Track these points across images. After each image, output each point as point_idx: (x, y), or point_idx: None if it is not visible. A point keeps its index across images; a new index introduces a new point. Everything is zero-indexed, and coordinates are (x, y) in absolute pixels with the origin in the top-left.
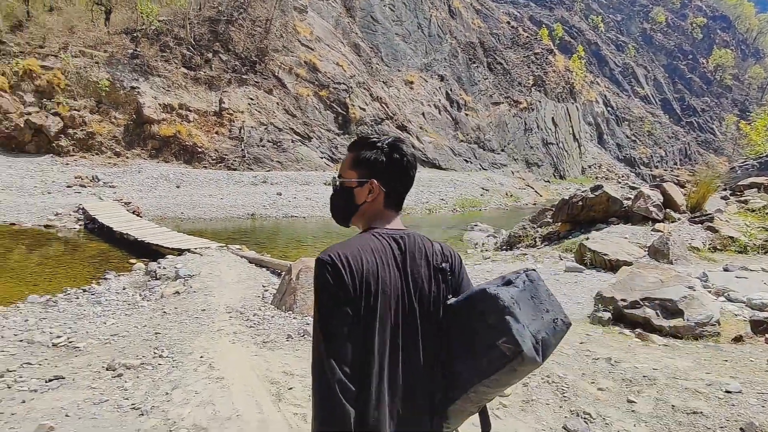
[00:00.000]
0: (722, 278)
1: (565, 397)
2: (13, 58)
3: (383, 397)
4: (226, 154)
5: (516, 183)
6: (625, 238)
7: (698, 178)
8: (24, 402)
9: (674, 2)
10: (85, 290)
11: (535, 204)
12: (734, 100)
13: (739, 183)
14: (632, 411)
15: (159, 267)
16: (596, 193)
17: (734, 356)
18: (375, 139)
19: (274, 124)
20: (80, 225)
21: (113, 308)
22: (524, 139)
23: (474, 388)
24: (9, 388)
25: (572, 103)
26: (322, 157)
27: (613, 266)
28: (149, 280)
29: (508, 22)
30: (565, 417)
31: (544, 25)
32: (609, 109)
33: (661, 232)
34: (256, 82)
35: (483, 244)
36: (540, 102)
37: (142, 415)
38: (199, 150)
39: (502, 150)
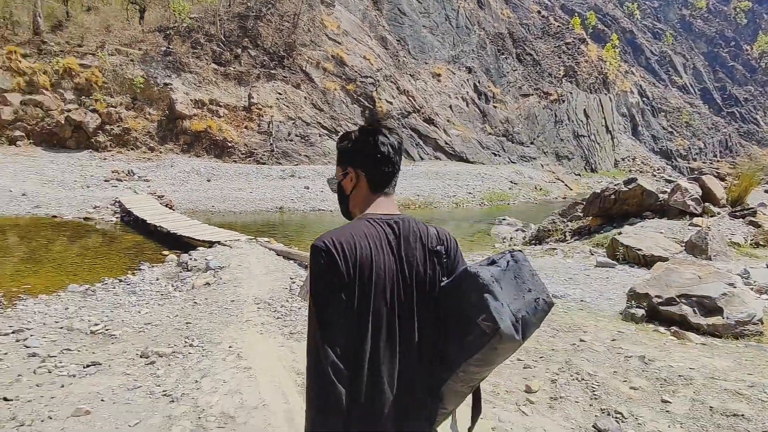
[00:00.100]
0: (765, 275)
1: (595, 395)
2: (53, 57)
3: (379, 379)
4: (255, 149)
5: (545, 176)
6: (661, 232)
7: (740, 170)
8: (63, 386)
9: None
10: (121, 280)
11: (565, 198)
12: None
13: None
14: (667, 411)
15: (190, 259)
16: (630, 186)
17: None
18: (350, 131)
19: (302, 119)
20: (117, 218)
21: (147, 298)
22: (554, 132)
23: (462, 368)
24: (50, 372)
25: (605, 94)
26: None
27: (647, 262)
28: (181, 272)
29: (539, 12)
30: (596, 416)
31: (576, 14)
32: (644, 99)
33: (700, 226)
34: (284, 76)
35: (511, 238)
36: (571, 93)
37: (173, 401)
38: (229, 144)
39: (532, 143)
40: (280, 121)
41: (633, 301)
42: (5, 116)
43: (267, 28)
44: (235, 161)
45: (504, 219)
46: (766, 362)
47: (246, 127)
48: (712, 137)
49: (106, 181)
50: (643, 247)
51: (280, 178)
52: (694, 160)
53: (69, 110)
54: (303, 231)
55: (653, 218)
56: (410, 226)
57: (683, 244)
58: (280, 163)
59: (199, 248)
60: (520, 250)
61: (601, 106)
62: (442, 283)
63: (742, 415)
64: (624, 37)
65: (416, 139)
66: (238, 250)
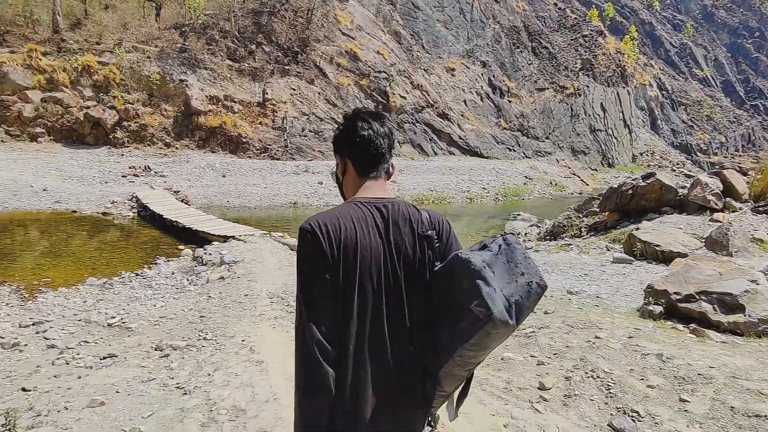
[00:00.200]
0: None
1: (611, 393)
2: (72, 54)
3: (364, 358)
4: (269, 144)
5: (561, 171)
6: (680, 228)
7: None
8: (80, 378)
9: None
10: (137, 274)
11: (581, 193)
12: None
13: None
14: (685, 411)
15: (205, 253)
16: (648, 181)
17: None
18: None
19: (316, 114)
20: (134, 212)
21: (163, 292)
22: (570, 126)
23: (458, 353)
24: (67, 364)
25: (623, 87)
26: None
27: (665, 258)
28: (196, 266)
29: (555, 4)
30: (611, 414)
31: (593, 6)
32: (664, 92)
33: (720, 222)
34: (298, 72)
35: (525, 234)
36: (588, 87)
37: (186, 394)
38: (244, 140)
39: (547, 137)
40: (294, 117)
41: (650, 298)
42: (26, 113)
43: (281, 24)
44: (249, 157)
45: (518, 214)
46: None
47: (260, 123)
48: (734, 131)
49: (123, 176)
50: (661, 243)
51: (294, 174)
52: (715, 154)
53: (88, 107)
54: None
55: (672, 214)
56: (399, 210)
57: (703, 240)
58: (294, 159)
59: (213, 243)
60: (511, 233)
61: (619, 99)
62: (435, 268)
63: (766, 416)
64: (643, 29)
65: (430, 134)
66: (252, 244)
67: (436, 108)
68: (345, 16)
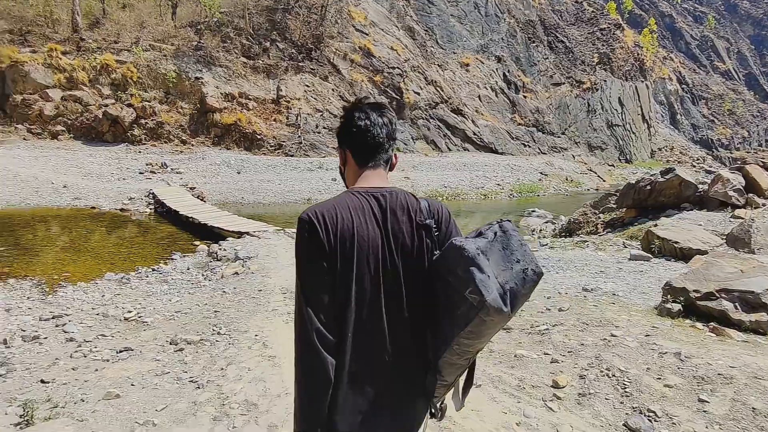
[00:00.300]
0: None
1: (626, 392)
2: (91, 53)
3: (362, 346)
4: (283, 141)
5: (577, 167)
6: (699, 225)
7: None
8: (97, 370)
9: None
10: (154, 269)
11: (597, 189)
12: None
13: None
14: (704, 411)
15: (220, 249)
16: (667, 177)
17: None
18: None
19: (330, 111)
20: (151, 209)
21: (178, 287)
22: (587, 122)
23: (455, 341)
24: (85, 357)
25: (642, 82)
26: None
27: (684, 255)
28: (211, 261)
29: None
30: (627, 414)
31: None
32: (684, 86)
33: (742, 218)
34: (312, 69)
35: (540, 230)
36: (605, 81)
37: (198, 388)
38: (258, 137)
39: (563, 133)
40: (308, 114)
41: (669, 296)
42: (47, 112)
43: (295, 21)
44: (264, 153)
45: (533, 211)
46: None
47: (275, 120)
48: (758, 125)
49: (140, 173)
50: (680, 240)
51: (308, 170)
52: (737, 149)
53: (106, 105)
54: None
55: (692, 210)
56: (397, 199)
57: (724, 237)
58: (307, 155)
59: (228, 239)
60: (509, 220)
61: (637, 94)
62: (434, 257)
63: None
64: (662, 22)
65: (444, 130)
66: (266, 240)
67: (450, 104)
68: (359, 12)
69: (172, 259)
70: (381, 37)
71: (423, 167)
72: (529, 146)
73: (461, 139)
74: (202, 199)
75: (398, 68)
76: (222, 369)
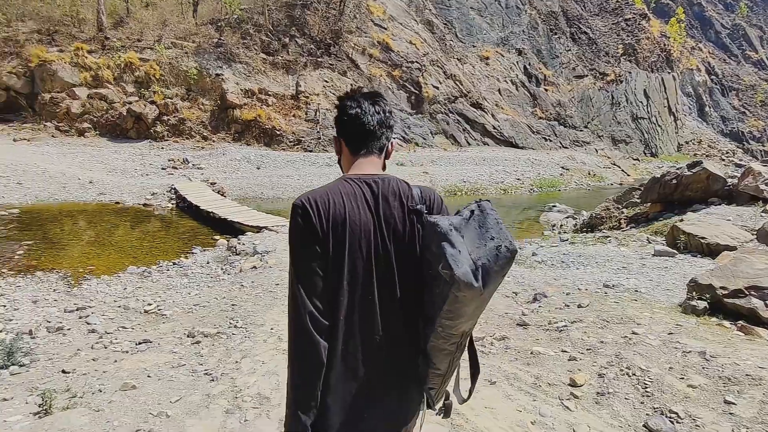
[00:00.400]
0: None
1: (647, 392)
2: (116, 52)
3: (354, 330)
4: (302, 137)
5: (600, 161)
6: (728, 220)
7: None
8: (116, 362)
9: None
10: (174, 263)
11: (621, 184)
12: None
13: None
14: (730, 413)
15: (239, 243)
16: (694, 171)
17: None
18: None
19: None
20: (173, 204)
21: (198, 280)
22: (610, 115)
23: (438, 322)
24: (105, 348)
25: (668, 73)
26: (394, 138)
27: (711, 251)
28: (230, 255)
29: None
30: (647, 414)
31: None
32: (713, 77)
33: None
34: (331, 64)
35: (561, 225)
36: (630, 73)
37: (213, 380)
38: (278, 133)
39: (585, 126)
40: (327, 109)
41: (694, 293)
42: (74, 109)
43: (314, 17)
44: (283, 149)
45: (554, 206)
46: None
47: (294, 116)
48: None
49: (163, 169)
50: (707, 235)
51: (327, 165)
52: None
53: (130, 102)
54: None
55: (720, 204)
56: (390, 185)
57: (754, 233)
58: (326, 151)
59: (247, 233)
60: (487, 200)
61: (664, 85)
62: None
63: None
64: (691, 11)
65: (463, 125)
66: (284, 235)
67: (470, 98)
68: (377, 6)
69: (193, 253)
70: (400, 32)
71: (442, 162)
72: (551, 140)
73: (481, 134)
74: (222, 195)
75: (417, 62)
76: (237, 362)
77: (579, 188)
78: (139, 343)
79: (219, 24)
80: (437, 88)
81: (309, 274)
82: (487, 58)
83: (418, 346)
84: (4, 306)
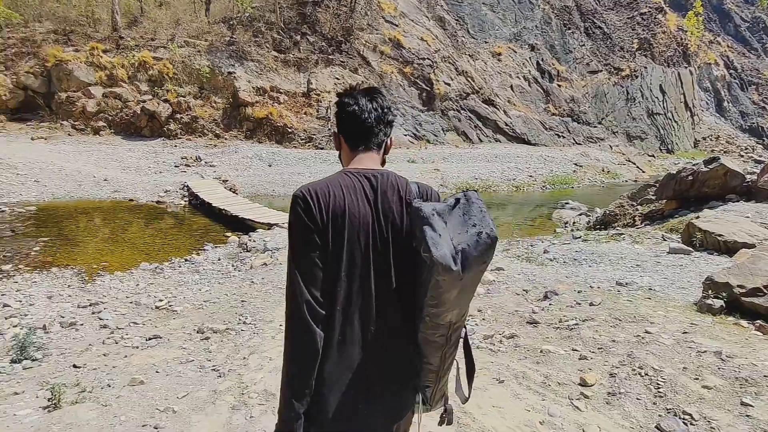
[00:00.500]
0: None
1: (660, 393)
2: (130, 51)
3: (352, 320)
4: (313, 134)
5: (614, 158)
6: (747, 217)
7: None
8: (126, 357)
9: None
10: (186, 260)
11: (636, 181)
12: None
13: None
14: (747, 416)
15: (250, 240)
16: (711, 167)
17: None
18: None
19: None
20: (185, 201)
21: (209, 277)
22: (625, 110)
23: (425, 311)
24: (116, 343)
25: (685, 68)
26: (405, 135)
27: (729, 249)
28: (241, 252)
29: None
30: (660, 416)
31: None
32: (731, 71)
33: None
34: (342, 61)
35: (574, 222)
36: (645, 68)
37: (220, 376)
38: (289, 130)
39: (600, 123)
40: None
41: (710, 291)
42: (90, 108)
43: (325, 14)
44: (294, 147)
45: (567, 203)
46: None
47: (305, 113)
48: None
49: (176, 166)
50: (724, 233)
51: (338, 163)
52: None
53: (144, 101)
54: None
55: (738, 201)
56: (388, 180)
57: None
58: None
59: (258, 230)
60: (475, 190)
61: (680, 80)
62: None
63: None
64: (709, 4)
65: (475, 121)
66: None
67: (482, 94)
68: (388, 3)
69: (204, 249)
70: (411, 28)
71: (453, 159)
72: (564, 137)
73: (493, 130)
74: (234, 192)
75: (428, 59)
76: (244, 358)
77: (592, 185)
78: (149, 339)
79: (231, 22)
80: (449, 84)
81: (307, 263)
82: (500, 54)
83: (415, 340)
84: (20, 301)
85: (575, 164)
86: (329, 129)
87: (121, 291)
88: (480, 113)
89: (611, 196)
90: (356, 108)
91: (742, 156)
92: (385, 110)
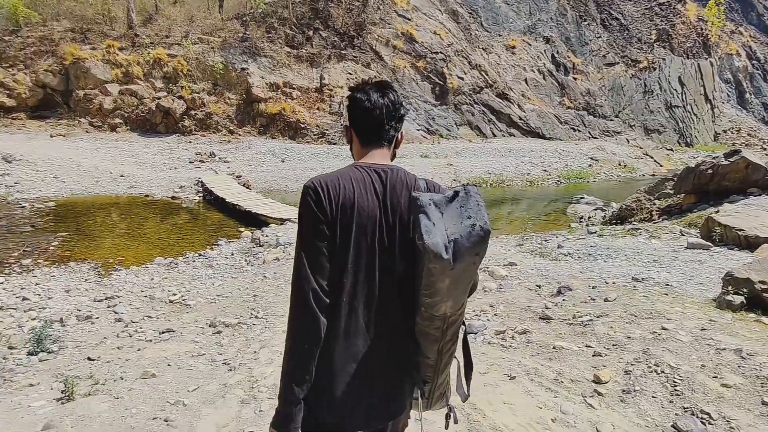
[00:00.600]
0: None
1: (677, 390)
2: (145, 48)
3: (358, 312)
4: (326, 129)
5: (631, 152)
6: None
7: None
8: (139, 350)
9: None
10: (200, 255)
11: (654, 175)
12: None
13: None
14: None
15: (263, 235)
16: (731, 160)
17: None
18: None
19: None
20: (199, 196)
21: (222, 271)
22: (643, 103)
23: (421, 301)
24: (130, 337)
25: (705, 59)
26: (419, 129)
27: (750, 244)
28: (254, 247)
29: None
30: (676, 414)
31: None
32: (754, 62)
33: None
34: (355, 56)
35: (589, 217)
36: (664, 60)
37: (231, 370)
38: (302, 126)
39: (616, 116)
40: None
41: (730, 287)
42: (107, 105)
43: (337, 9)
44: (307, 142)
45: (582, 197)
46: None
47: (318, 109)
48: None
49: (190, 162)
50: (745, 227)
51: (350, 158)
52: None
53: (159, 98)
54: None
55: (760, 195)
56: (398, 175)
57: None
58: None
59: (271, 225)
60: (474, 185)
61: (700, 72)
62: None
63: None
64: None
65: (488, 116)
66: None
67: (495, 88)
68: None
69: (218, 244)
70: (424, 22)
71: (466, 153)
72: (579, 131)
73: (506, 125)
74: (247, 187)
75: (441, 53)
76: (255, 352)
77: (609, 180)
78: (163, 333)
79: (244, 18)
80: (462, 78)
81: (315, 253)
82: (514, 47)
83: (411, 330)
84: (39, 295)
85: (591, 158)
86: (342, 124)
87: (136, 285)
88: (494, 107)
89: (628, 191)
90: (368, 104)
91: (765, 149)
92: (397, 105)
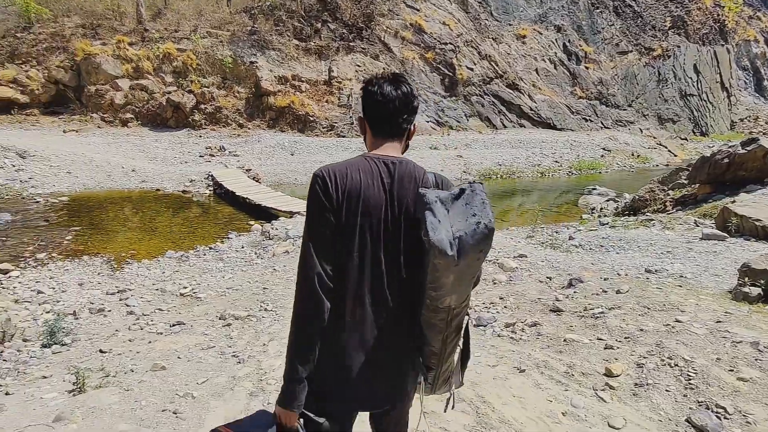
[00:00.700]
0: None
1: (691, 384)
2: (155, 43)
3: (363, 300)
4: (335, 122)
5: (645, 142)
6: None
7: None
8: (150, 342)
9: None
10: (211, 248)
11: (668, 165)
12: None
13: None
14: None
15: (272, 228)
16: (748, 149)
17: None
18: None
19: None
20: (210, 190)
21: (232, 264)
22: (657, 92)
23: (426, 294)
24: (141, 329)
25: (722, 46)
26: (428, 121)
27: (767, 234)
28: (263, 240)
29: None
30: (690, 408)
31: None
32: None
33: None
34: (363, 48)
35: (601, 208)
36: (679, 47)
37: (240, 363)
38: (311, 119)
39: (629, 105)
40: (360, 94)
41: (746, 278)
42: (118, 101)
43: (345, 1)
44: (316, 135)
45: (594, 188)
46: None
47: (326, 101)
48: None
49: (201, 156)
50: (763, 217)
51: (360, 150)
52: None
53: (169, 92)
54: None
55: None
56: (406, 168)
57: None
58: (359, 136)
59: (280, 218)
60: (481, 183)
61: (716, 59)
62: None
63: None
64: None
65: (498, 106)
66: None
67: (506, 79)
68: None
69: (228, 238)
70: (433, 12)
71: (476, 145)
72: (591, 121)
73: (517, 115)
74: (257, 181)
75: (451, 44)
76: (264, 344)
77: (621, 170)
78: (173, 325)
79: (252, 12)
80: (471, 69)
81: (321, 239)
82: (524, 37)
83: (415, 319)
84: (53, 288)
85: (603, 149)
86: (351, 117)
87: (148, 278)
88: (504, 98)
89: (641, 181)
90: (381, 97)
91: None
92: (410, 98)
